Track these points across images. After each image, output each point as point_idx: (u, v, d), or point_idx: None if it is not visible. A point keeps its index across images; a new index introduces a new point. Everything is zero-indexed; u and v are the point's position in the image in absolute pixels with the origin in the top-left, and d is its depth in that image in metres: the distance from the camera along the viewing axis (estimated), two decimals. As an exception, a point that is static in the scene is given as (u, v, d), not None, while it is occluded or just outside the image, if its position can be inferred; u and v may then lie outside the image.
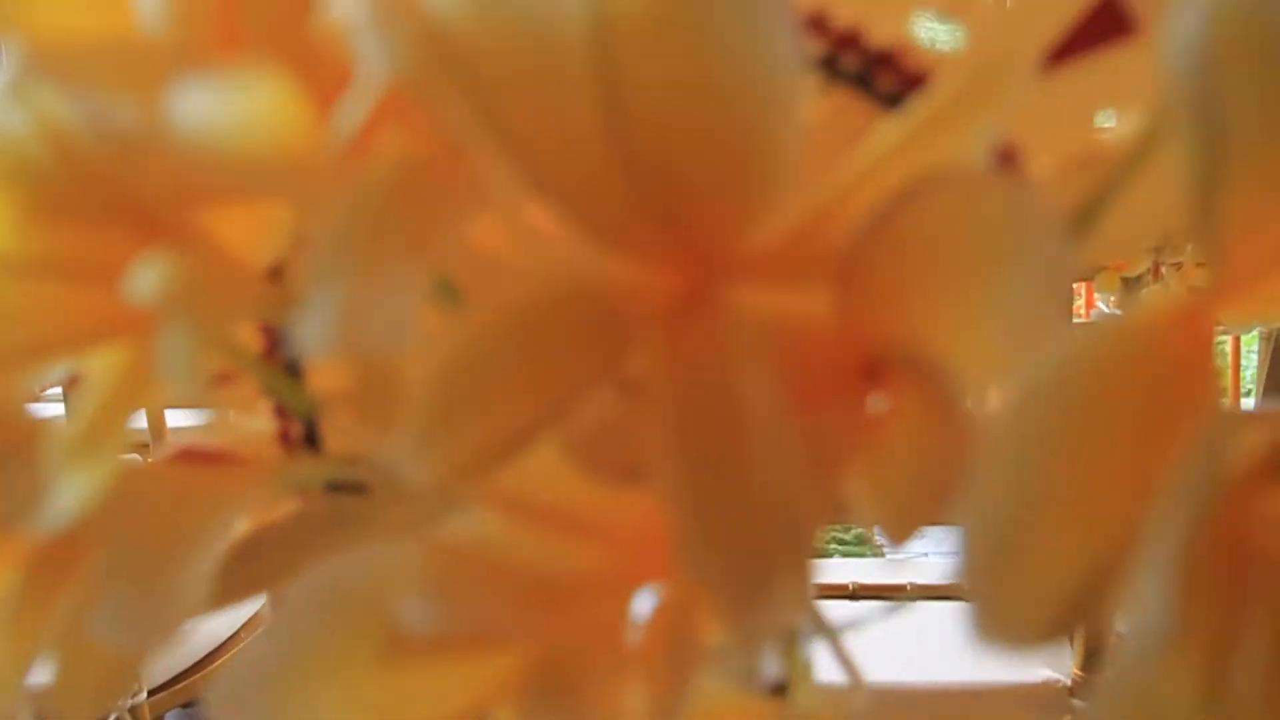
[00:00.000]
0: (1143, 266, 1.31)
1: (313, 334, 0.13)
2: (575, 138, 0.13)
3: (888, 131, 0.15)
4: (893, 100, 0.19)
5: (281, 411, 0.24)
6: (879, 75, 0.19)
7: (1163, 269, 1.29)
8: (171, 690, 1.38)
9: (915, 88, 0.19)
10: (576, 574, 0.17)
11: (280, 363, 0.22)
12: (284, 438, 0.25)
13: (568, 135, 0.13)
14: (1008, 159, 0.18)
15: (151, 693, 1.34)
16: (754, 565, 0.13)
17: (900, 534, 0.13)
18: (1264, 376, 1.58)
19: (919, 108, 0.15)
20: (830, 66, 0.19)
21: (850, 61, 0.19)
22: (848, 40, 0.19)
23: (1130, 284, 1.33)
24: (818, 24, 0.19)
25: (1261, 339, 1.59)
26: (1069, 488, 0.14)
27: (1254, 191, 0.13)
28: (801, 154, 0.15)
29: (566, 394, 0.15)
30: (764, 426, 0.13)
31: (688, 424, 0.14)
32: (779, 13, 0.12)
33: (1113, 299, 1.36)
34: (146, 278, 0.13)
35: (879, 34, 0.19)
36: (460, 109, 0.13)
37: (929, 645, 1.13)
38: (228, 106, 0.12)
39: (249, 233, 0.17)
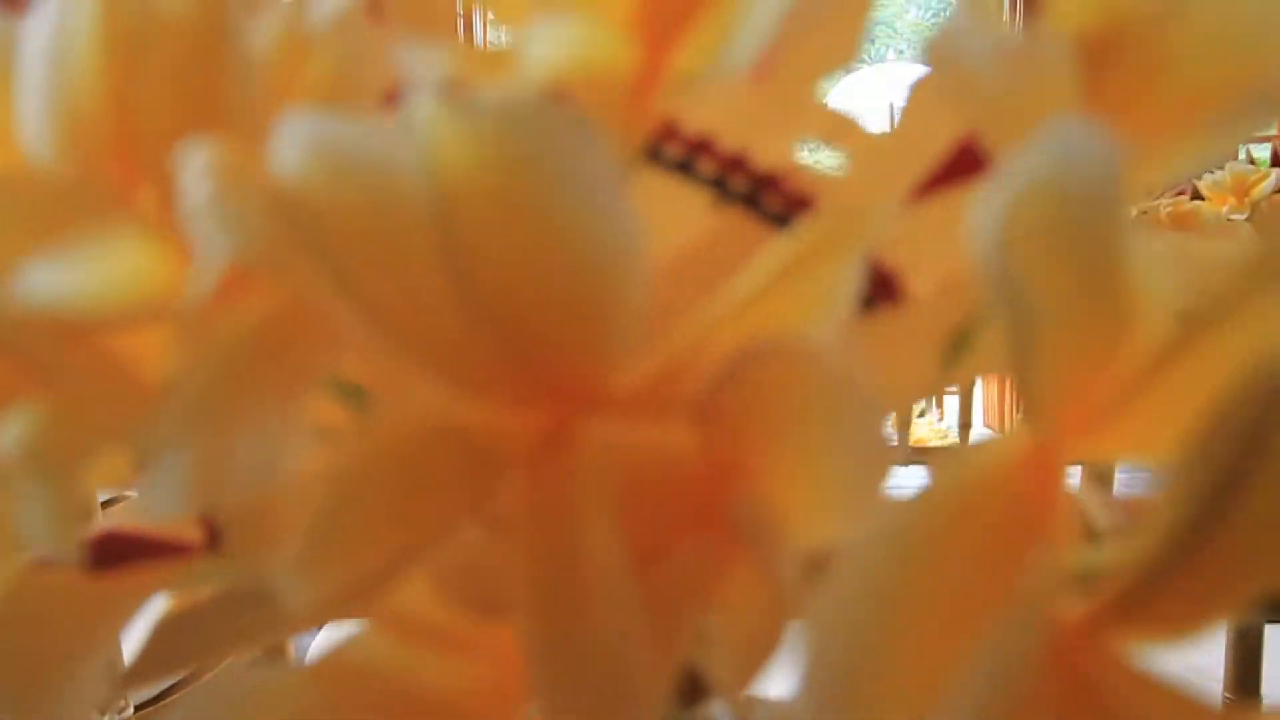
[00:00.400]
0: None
1: (162, 495, 0.13)
2: (426, 299, 0.14)
3: (758, 267, 0.16)
4: (781, 219, 0.20)
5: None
6: (766, 196, 0.19)
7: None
8: (159, 705, 1.38)
9: (802, 208, 0.19)
10: (463, 691, 0.18)
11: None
12: (205, 520, 0.25)
13: (419, 297, 0.14)
14: (887, 282, 0.19)
15: (138, 708, 1.34)
16: (596, 713, 0.14)
17: (733, 689, 0.13)
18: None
19: (787, 244, 0.16)
20: (720, 186, 0.19)
21: (738, 182, 0.19)
22: (735, 162, 0.19)
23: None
24: (705, 147, 0.19)
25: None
26: (908, 632, 0.14)
27: (1071, 358, 0.13)
28: (677, 285, 0.15)
29: (435, 529, 0.15)
30: (604, 578, 0.14)
31: (537, 569, 0.14)
32: (613, 184, 0.13)
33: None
34: (4, 436, 0.13)
35: (765, 157, 0.19)
36: (311, 273, 0.13)
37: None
38: (80, 276, 0.13)
39: (149, 343, 0.18)
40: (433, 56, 0.13)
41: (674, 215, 0.20)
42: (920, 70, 0.18)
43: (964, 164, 0.17)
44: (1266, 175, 1.21)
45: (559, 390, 0.15)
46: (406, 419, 0.15)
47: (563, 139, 0.12)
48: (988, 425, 2.50)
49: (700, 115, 0.19)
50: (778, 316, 0.16)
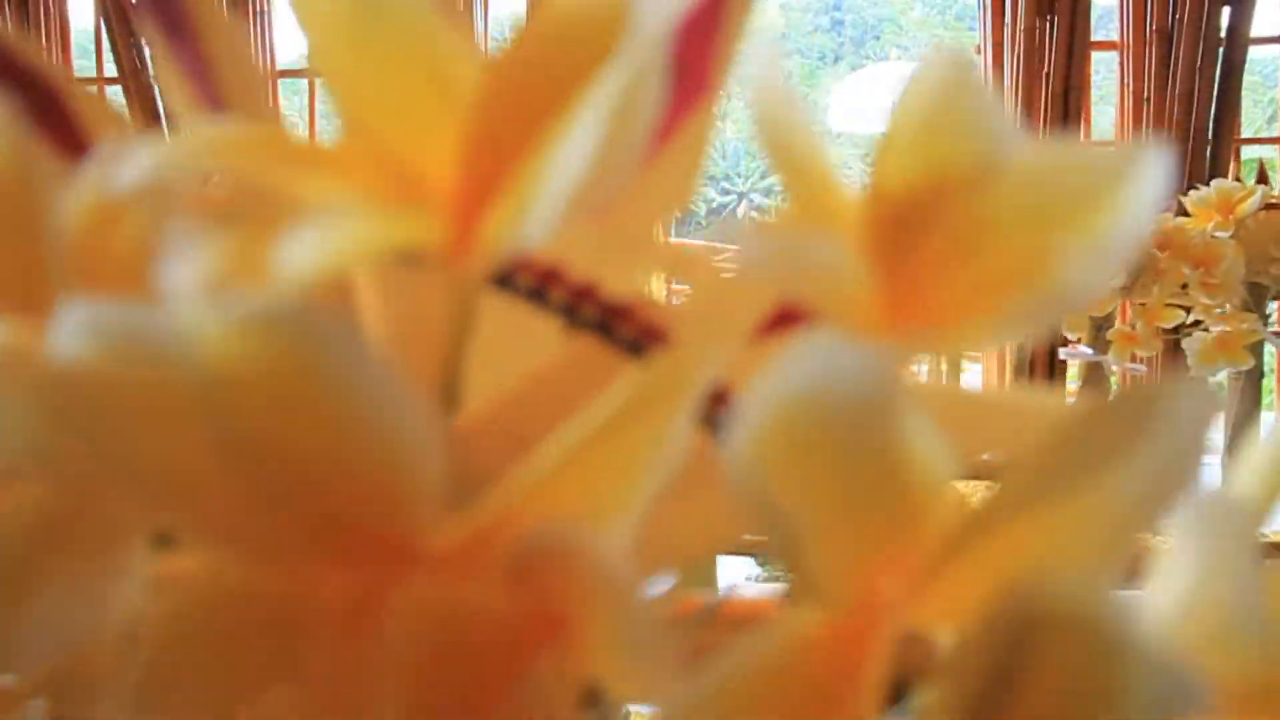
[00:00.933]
0: (1110, 306, 1.31)
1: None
2: (209, 480, 0.14)
3: (585, 419, 0.16)
4: (634, 347, 0.19)
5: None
6: (618, 325, 0.19)
7: (1130, 309, 1.30)
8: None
9: (654, 338, 0.19)
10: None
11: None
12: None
13: (202, 480, 0.14)
14: (721, 400, 0.19)
15: None
16: None
17: None
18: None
19: (615, 395, 0.16)
20: (570, 315, 0.19)
21: (589, 311, 0.19)
22: (585, 292, 0.19)
23: (1099, 324, 1.33)
24: (554, 276, 0.19)
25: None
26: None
27: (850, 547, 0.13)
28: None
29: (246, 692, 0.15)
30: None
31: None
32: (380, 379, 0.13)
33: (1081, 338, 1.36)
34: None
35: (616, 287, 0.19)
36: (87, 459, 0.13)
37: None
38: None
39: None
40: (199, 251, 0.13)
41: (526, 341, 0.20)
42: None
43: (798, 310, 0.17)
44: (1252, 192, 1.20)
45: (363, 557, 0.15)
46: (213, 585, 0.15)
47: (322, 339, 0.12)
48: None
49: (551, 248, 0.19)
50: (604, 470, 0.16)
